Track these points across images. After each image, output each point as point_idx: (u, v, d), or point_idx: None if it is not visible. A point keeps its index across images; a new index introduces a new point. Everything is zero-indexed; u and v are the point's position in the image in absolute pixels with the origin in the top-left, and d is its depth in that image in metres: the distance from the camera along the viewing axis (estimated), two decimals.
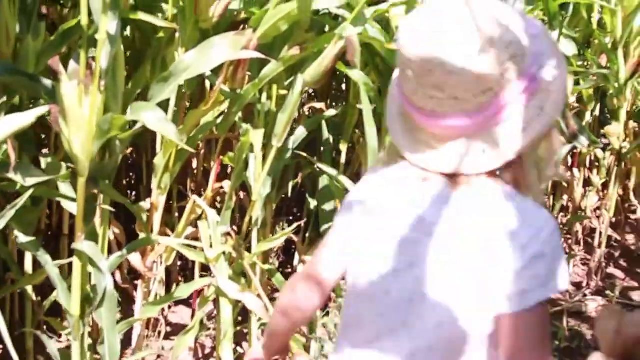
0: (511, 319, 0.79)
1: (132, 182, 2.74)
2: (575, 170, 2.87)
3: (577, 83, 2.54)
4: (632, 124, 2.86)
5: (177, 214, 2.29)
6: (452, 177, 0.84)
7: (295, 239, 2.28)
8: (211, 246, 1.81)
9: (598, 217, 2.84)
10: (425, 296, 0.84)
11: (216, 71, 1.83)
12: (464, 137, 0.82)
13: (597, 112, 2.83)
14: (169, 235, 2.00)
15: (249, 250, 1.94)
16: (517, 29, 0.80)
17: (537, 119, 0.81)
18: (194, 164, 2.48)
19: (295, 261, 2.46)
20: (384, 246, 0.87)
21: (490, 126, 0.81)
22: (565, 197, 2.93)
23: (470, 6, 0.79)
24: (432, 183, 0.85)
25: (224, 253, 1.81)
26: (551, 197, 2.91)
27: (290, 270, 2.60)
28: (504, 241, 0.79)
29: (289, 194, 2.46)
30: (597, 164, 2.86)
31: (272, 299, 1.85)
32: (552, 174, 0.88)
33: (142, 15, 1.75)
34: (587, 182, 2.95)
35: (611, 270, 3.03)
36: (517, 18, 0.82)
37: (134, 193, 2.68)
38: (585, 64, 2.69)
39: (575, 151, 2.76)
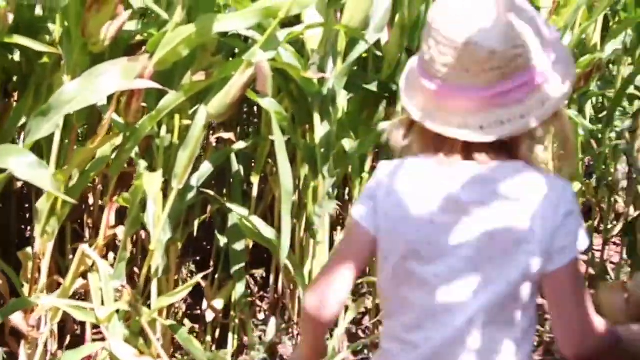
0: (556, 276, 0.91)
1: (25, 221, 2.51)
2: None
3: None
4: None
5: (71, 257, 2.08)
6: (470, 155, 0.93)
7: (202, 283, 2.12)
8: (103, 303, 1.63)
9: None
10: (475, 272, 0.92)
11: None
12: (486, 110, 0.92)
13: None
14: (60, 284, 1.81)
15: (148, 305, 1.77)
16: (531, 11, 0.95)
17: (548, 101, 0.93)
18: (91, 200, 2.28)
19: (204, 305, 2.29)
20: (426, 231, 0.95)
21: (522, 95, 0.92)
22: None
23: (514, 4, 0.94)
24: (458, 166, 0.94)
25: (117, 311, 1.63)
26: None
27: (198, 313, 2.41)
28: (539, 204, 0.91)
29: (196, 232, 2.30)
30: None
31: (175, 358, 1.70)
32: (569, 150, 1.02)
33: (18, 39, 1.56)
34: None
35: None
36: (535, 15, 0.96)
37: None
38: None
39: None
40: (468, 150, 0.94)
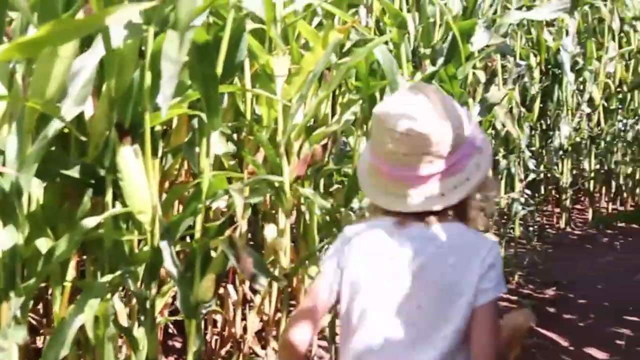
0: (480, 310, 1.24)
1: None
2: None
3: None
4: None
5: None
6: (422, 219, 1.28)
7: None
8: None
9: None
10: (426, 317, 1.27)
11: None
12: (425, 184, 1.27)
13: None
14: None
15: None
16: (461, 112, 1.33)
17: (475, 172, 1.29)
18: None
19: None
20: (382, 282, 1.29)
21: (447, 176, 1.27)
22: None
23: (431, 96, 1.30)
24: (409, 227, 1.29)
25: None
26: None
27: None
28: (471, 257, 1.27)
29: None
30: None
31: None
32: (491, 211, 1.37)
33: None
34: None
35: None
36: (456, 104, 1.35)
37: None
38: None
39: None
40: (419, 214, 1.29)
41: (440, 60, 3.18)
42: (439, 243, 1.28)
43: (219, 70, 1.89)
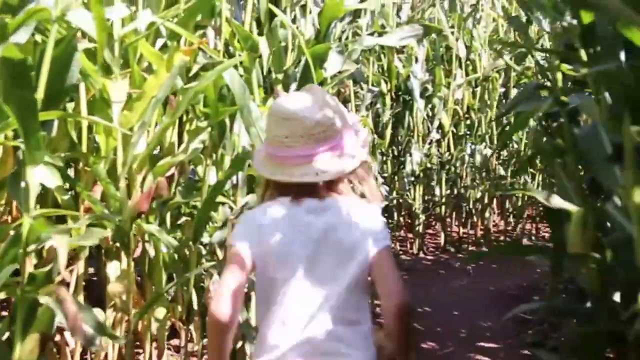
0: (379, 256, 1.57)
1: None
2: None
3: None
4: None
5: None
6: (314, 194, 1.60)
7: None
8: None
9: None
10: (327, 277, 1.56)
11: None
12: (312, 160, 1.58)
13: None
14: None
15: None
16: (342, 108, 1.68)
17: (359, 151, 1.64)
18: None
19: None
20: (292, 251, 1.57)
21: (333, 152, 1.59)
22: None
23: (317, 93, 1.67)
24: (304, 201, 1.60)
25: None
26: None
27: None
28: (366, 216, 1.62)
29: None
30: None
31: None
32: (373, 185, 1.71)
33: None
34: None
35: None
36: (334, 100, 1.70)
37: None
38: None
39: None
40: (310, 191, 1.58)
41: (293, 86, 3.14)
42: (333, 212, 1.59)
43: (41, 94, 1.71)
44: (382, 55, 5.83)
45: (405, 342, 1.54)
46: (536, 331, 3.92)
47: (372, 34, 4.20)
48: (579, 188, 1.71)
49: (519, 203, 7.10)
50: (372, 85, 5.01)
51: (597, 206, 1.70)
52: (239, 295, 1.55)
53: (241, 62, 2.96)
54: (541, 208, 7.09)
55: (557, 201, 1.78)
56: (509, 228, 7.17)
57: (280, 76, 3.39)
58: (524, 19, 4.88)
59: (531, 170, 7.30)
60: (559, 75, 1.74)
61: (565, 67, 1.83)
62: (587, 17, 1.73)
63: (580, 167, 1.72)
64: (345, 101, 4.44)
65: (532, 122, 6.73)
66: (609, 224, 1.64)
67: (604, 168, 1.21)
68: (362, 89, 4.85)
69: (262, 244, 1.57)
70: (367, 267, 1.55)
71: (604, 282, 1.62)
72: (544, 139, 1.90)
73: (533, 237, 7.00)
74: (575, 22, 1.70)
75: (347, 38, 3.92)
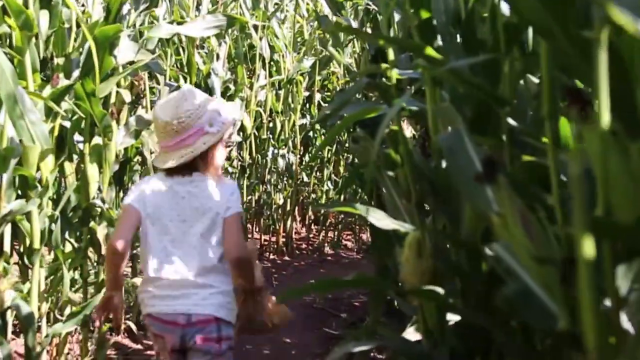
0: (227, 220, 2.17)
1: None
2: None
3: None
4: None
5: None
6: (182, 172, 2.21)
7: None
8: None
9: None
10: (190, 230, 2.18)
11: None
12: (180, 149, 2.18)
13: None
14: None
15: None
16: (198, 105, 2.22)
17: (211, 138, 2.19)
18: None
19: None
20: (164, 212, 2.19)
21: (191, 141, 2.18)
22: None
23: (185, 95, 2.24)
24: (174, 176, 2.21)
25: None
26: None
27: None
28: (222, 189, 2.21)
29: None
30: None
31: None
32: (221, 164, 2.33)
33: None
34: None
35: None
36: (201, 98, 2.25)
37: None
38: None
39: None
40: (179, 171, 2.21)
41: (76, 73, 2.66)
42: (195, 185, 2.23)
43: None
44: (181, 50, 5.41)
45: (246, 280, 2.21)
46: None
47: (171, 23, 3.79)
48: (414, 207, 1.48)
49: (322, 211, 7.03)
50: (170, 80, 4.58)
51: (436, 230, 1.48)
52: (129, 234, 2.21)
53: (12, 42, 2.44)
54: (342, 216, 7.09)
55: (386, 221, 1.53)
56: (311, 235, 7.07)
57: (61, 61, 2.89)
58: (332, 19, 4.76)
59: (334, 177, 7.29)
60: (394, 74, 1.50)
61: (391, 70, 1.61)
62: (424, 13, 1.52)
63: (413, 182, 1.49)
64: (138, 96, 3.98)
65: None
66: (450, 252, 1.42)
67: (473, 189, 0.97)
68: (158, 83, 4.40)
69: (144, 203, 2.22)
70: (221, 226, 2.21)
71: (442, 321, 1.40)
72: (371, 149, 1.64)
73: (334, 246, 6.96)
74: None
75: (142, 24, 3.48)
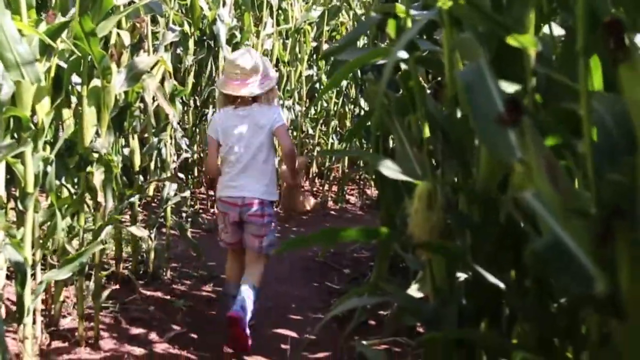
0: (278, 130, 3.37)
1: None
2: None
3: None
4: None
5: None
6: (246, 103, 3.36)
7: None
8: None
9: None
10: (252, 144, 3.34)
11: None
12: (247, 86, 3.34)
13: None
14: None
15: None
16: (265, 60, 3.55)
17: (272, 82, 3.44)
18: None
19: None
20: (232, 134, 3.34)
21: (256, 84, 3.35)
22: None
23: (251, 52, 3.50)
24: (244, 109, 3.35)
25: None
26: None
27: None
28: (273, 114, 3.39)
29: None
30: None
31: None
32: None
33: None
34: None
35: None
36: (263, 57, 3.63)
37: None
38: None
39: None
40: (244, 102, 3.35)
41: (72, 10, 2.55)
42: (254, 110, 3.34)
43: None
44: None
45: (291, 173, 3.51)
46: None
47: None
48: (425, 155, 1.40)
49: (326, 164, 6.95)
50: (173, 24, 4.45)
51: (448, 181, 1.39)
52: (215, 157, 3.45)
53: None
54: (346, 171, 7.00)
55: (393, 171, 1.45)
56: (315, 189, 7.00)
57: None
58: None
59: (340, 130, 7.18)
60: (408, 13, 1.40)
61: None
62: None
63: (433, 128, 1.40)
64: (140, 39, 3.86)
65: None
66: (460, 206, 1.34)
67: (492, 131, 0.87)
68: (159, 28, 4.27)
69: (216, 130, 3.38)
70: (272, 136, 3.38)
71: (452, 278, 1.33)
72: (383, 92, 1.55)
73: (338, 201, 6.89)
74: None
75: None
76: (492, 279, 1.23)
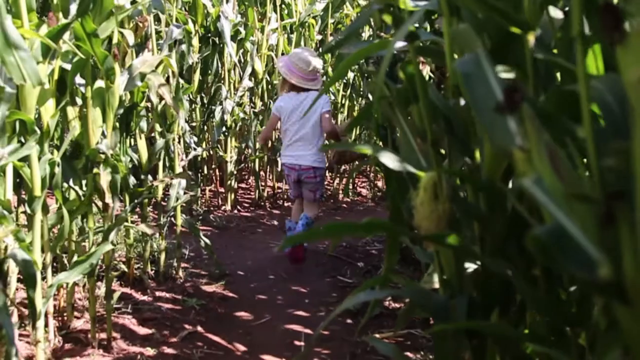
0: (323, 116, 4.63)
1: None
2: None
3: None
4: None
5: None
6: (304, 90, 4.68)
7: None
8: None
9: None
10: (307, 123, 4.65)
11: None
12: (312, 81, 4.70)
13: None
14: None
15: None
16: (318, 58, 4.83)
17: (319, 82, 4.78)
18: None
19: None
20: (294, 114, 4.65)
21: (314, 81, 4.71)
22: None
23: (310, 52, 4.83)
24: (303, 94, 4.66)
25: None
26: None
27: None
28: (323, 101, 4.69)
29: None
30: None
31: None
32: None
33: None
34: None
35: None
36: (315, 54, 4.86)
37: None
38: None
39: None
40: (304, 89, 4.66)
41: (73, 8, 2.55)
42: (309, 95, 4.60)
43: None
44: None
45: (336, 138, 4.63)
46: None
47: None
48: (429, 146, 1.39)
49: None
50: (177, 22, 4.44)
51: (454, 170, 1.38)
52: (271, 129, 5.06)
53: None
54: (357, 164, 6.99)
55: (396, 163, 1.44)
56: (325, 183, 7.00)
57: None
58: None
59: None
60: (408, 4, 1.39)
61: None
62: None
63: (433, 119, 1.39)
64: (144, 39, 3.86)
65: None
66: (467, 195, 1.33)
67: (492, 120, 0.86)
68: (163, 27, 4.27)
69: (279, 109, 4.67)
70: (319, 118, 4.58)
71: (460, 269, 1.32)
72: (384, 82, 1.54)
73: (349, 193, 6.89)
74: None
75: None
76: (500, 269, 1.22)
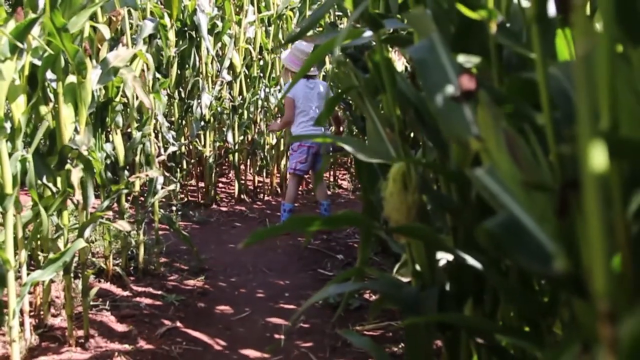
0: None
1: None
2: None
3: None
4: None
5: None
6: (313, 78, 5.49)
7: None
8: None
9: None
10: (317, 102, 5.40)
11: None
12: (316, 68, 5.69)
13: None
14: None
15: None
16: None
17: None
18: None
19: None
20: (307, 97, 5.36)
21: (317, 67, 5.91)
22: None
23: (308, 44, 5.09)
24: (312, 80, 5.43)
25: None
26: None
27: None
28: (324, 85, 5.43)
29: None
30: None
31: None
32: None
33: None
34: None
35: None
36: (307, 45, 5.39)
37: None
38: None
39: None
40: (313, 77, 5.47)
41: (41, 3, 2.51)
42: (318, 84, 5.40)
43: None
44: None
45: (335, 122, 5.36)
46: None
47: None
48: (397, 136, 1.37)
49: None
50: (152, 16, 4.39)
51: (421, 161, 1.37)
52: (292, 114, 5.32)
53: None
54: (338, 155, 6.98)
55: (366, 154, 1.42)
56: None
57: None
58: None
59: None
60: None
61: None
62: None
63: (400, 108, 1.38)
64: (118, 33, 3.81)
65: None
66: (438, 186, 1.32)
67: (447, 109, 0.85)
68: (137, 21, 4.22)
69: (294, 94, 5.27)
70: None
71: (432, 261, 1.30)
72: (353, 73, 1.52)
73: (330, 186, 6.87)
74: None
75: None
76: (471, 260, 1.21)
